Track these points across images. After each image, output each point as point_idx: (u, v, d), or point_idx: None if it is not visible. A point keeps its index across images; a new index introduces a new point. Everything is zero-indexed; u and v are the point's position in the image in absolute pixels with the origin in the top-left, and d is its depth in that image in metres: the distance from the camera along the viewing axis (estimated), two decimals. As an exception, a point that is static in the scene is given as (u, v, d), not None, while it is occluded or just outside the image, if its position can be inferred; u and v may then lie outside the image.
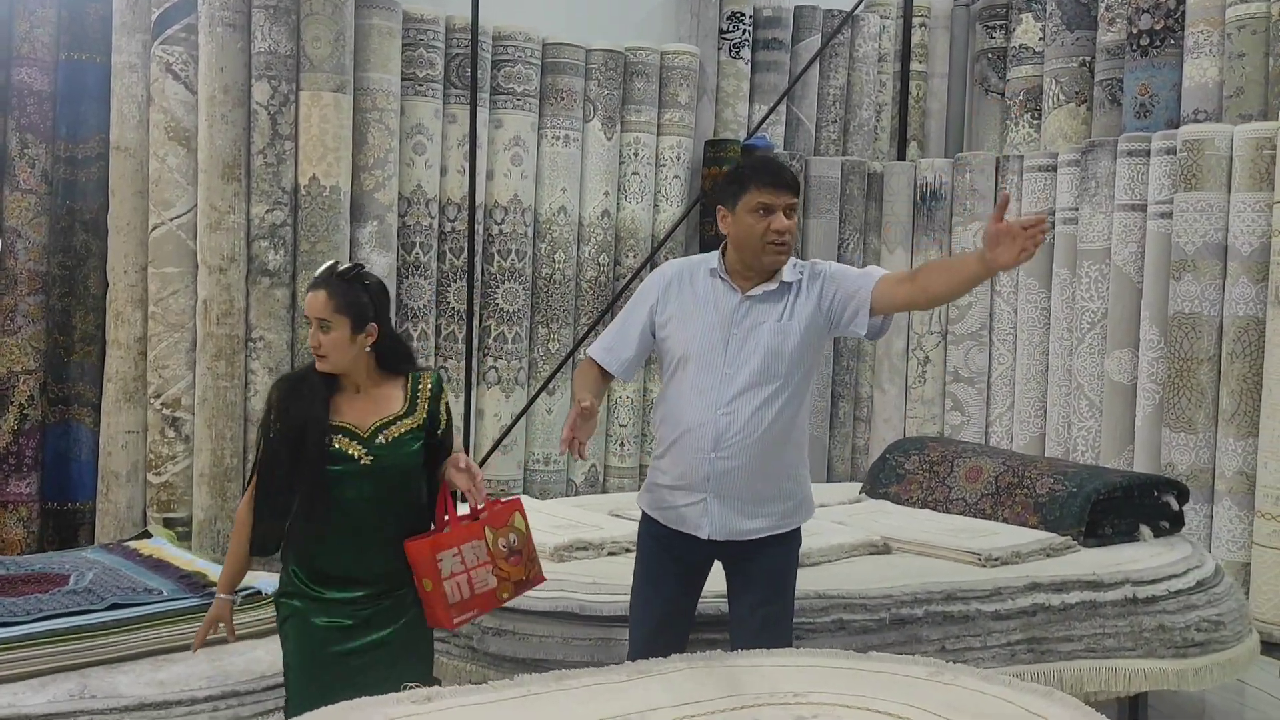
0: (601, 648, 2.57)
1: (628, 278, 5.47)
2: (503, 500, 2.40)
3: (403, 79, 4.93)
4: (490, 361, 5.28)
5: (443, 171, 5.12)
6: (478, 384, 5.27)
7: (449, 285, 5.16)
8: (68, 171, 4.60)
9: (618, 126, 5.47)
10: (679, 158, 5.59)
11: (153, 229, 4.58)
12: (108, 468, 4.62)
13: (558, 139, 5.34)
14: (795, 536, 2.60)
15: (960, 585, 2.91)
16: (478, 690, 1.89)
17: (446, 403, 2.38)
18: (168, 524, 4.59)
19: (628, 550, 3.01)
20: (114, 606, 2.45)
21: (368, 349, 2.28)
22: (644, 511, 2.59)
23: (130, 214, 4.60)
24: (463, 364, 5.18)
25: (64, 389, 4.64)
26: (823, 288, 2.50)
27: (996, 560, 3.09)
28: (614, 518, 3.35)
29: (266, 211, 4.64)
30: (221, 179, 4.54)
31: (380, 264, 4.85)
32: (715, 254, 2.58)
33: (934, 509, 3.75)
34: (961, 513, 3.69)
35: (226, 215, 4.55)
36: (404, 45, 4.92)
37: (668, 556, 2.53)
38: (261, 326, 4.65)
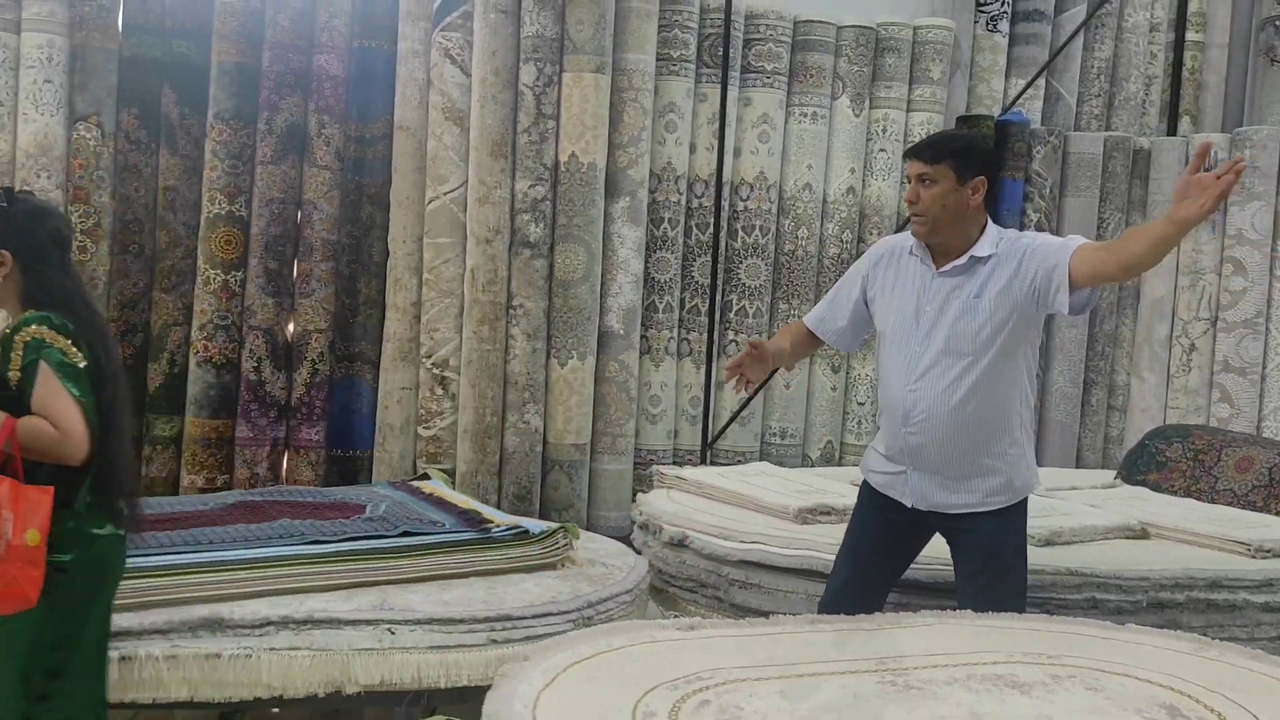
0: (846, 605, 2.64)
1: (871, 255, 5.45)
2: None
3: (657, 59, 5.11)
4: (731, 335, 5.40)
5: (692, 149, 5.27)
6: (718, 356, 5.41)
7: (694, 260, 5.32)
8: (357, 149, 5.06)
9: (866, 103, 5.45)
10: (929, 135, 5.50)
11: (429, 202, 4.98)
12: (384, 420, 5.07)
13: (805, 116, 5.38)
14: (1012, 511, 2.53)
15: (1227, 573, 2.78)
16: (735, 624, 2.01)
17: (24, 352, 1.98)
18: (434, 474, 5.00)
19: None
20: (405, 534, 2.73)
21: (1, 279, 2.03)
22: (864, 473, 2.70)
23: (410, 189, 5.01)
24: (705, 337, 5.33)
25: (349, 347, 5.12)
26: (1022, 262, 2.42)
27: (1268, 552, 2.93)
28: (854, 486, 3.39)
29: (529, 187, 4.93)
30: (490, 156, 4.88)
31: (631, 238, 5.07)
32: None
33: (1197, 498, 3.57)
34: (1229, 504, 3.50)
35: (494, 190, 4.89)
36: (660, 26, 5.10)
37: (878, 517, 2.62)
38: (521, 295, 4.96)
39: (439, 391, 5.01)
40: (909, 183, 2.48)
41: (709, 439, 5.35)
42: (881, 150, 5.48)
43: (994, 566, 2.50)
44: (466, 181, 4.94)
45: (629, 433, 5.17)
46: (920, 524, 2.60)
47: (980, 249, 2.48)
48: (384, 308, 5.10)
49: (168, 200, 5.00)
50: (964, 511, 2.50)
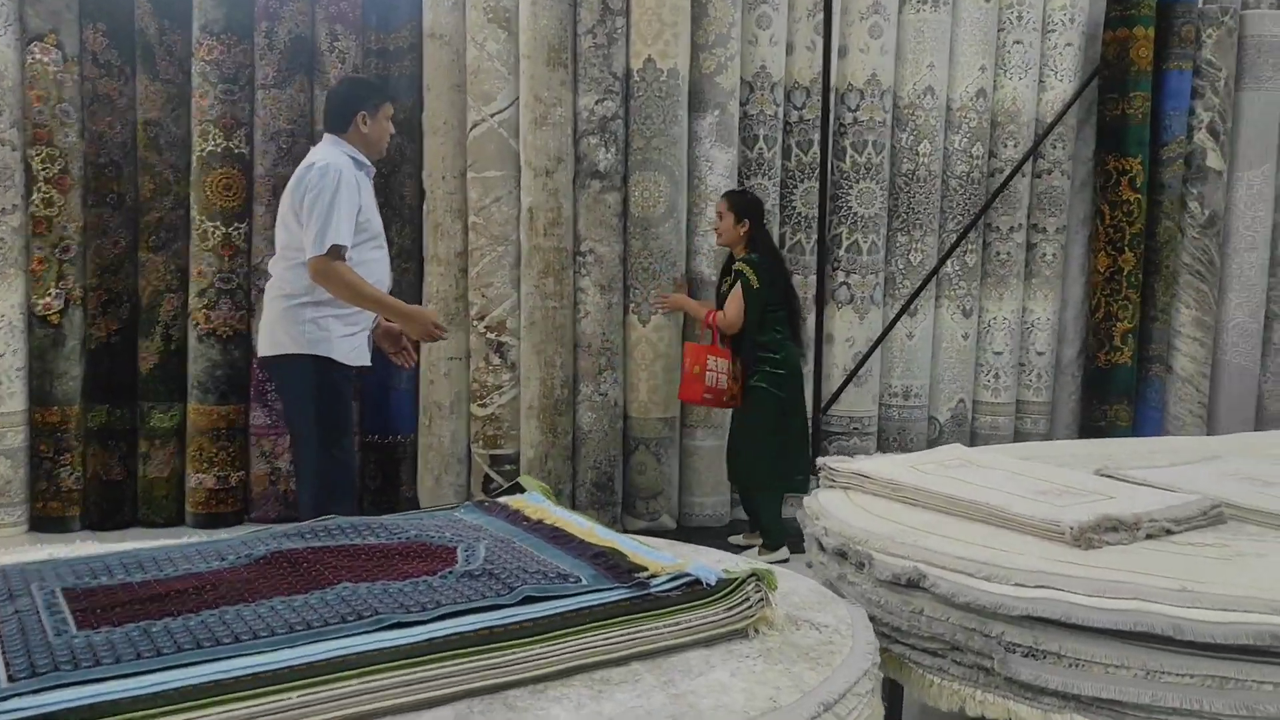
0: (1215, 691, 1.74)
1: (1006, 172, 4.50)
2: None
3: (747, -64, 4.11)
4: (841, 277, 4.47)
5: (789, 49, 4.29)
6: (827, 303, 4.48)
7: (795, 186, 4.37)
8: (379, 65, 4.09)
9: (997, -15, 4.47)
10: (1072, 20, 4.52)
11: (472, 127, 4.01)
12: (430, 398, 4.16)
13: (924, 5, 4.40)
14: None
15: None
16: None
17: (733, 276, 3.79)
18: (495, 461, 4.10)
19: (1168, 533, 2.17)
20: (527, 600, 1.81)
21: None
22: None
23: (447, 111, 4.05)
24: (811, 279, 4.39)
25: (382, 311, 4.18)
26: None
27: None
28: (1110, 479, 2.47)
29: (596, 102, 3.96)
30: (546, 66, 3.90)
31: (721, 162, 4.13)
32: None
33: None
34: None
35: (553, 109, 3.91)
36: (749, -106, 4.10)
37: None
38: (592, 238, 4.02)
39: (496, 361, 4.09)
40: None
41: (822, 405, 4.44)
42: (1017, 42, 4.50)
43: None
44: (517, 99, 3.97)
45: (727, 401, 4.25)
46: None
47: None
48: (422, 260, 4.17)
49: (149, 137, 4.02)
50: None
